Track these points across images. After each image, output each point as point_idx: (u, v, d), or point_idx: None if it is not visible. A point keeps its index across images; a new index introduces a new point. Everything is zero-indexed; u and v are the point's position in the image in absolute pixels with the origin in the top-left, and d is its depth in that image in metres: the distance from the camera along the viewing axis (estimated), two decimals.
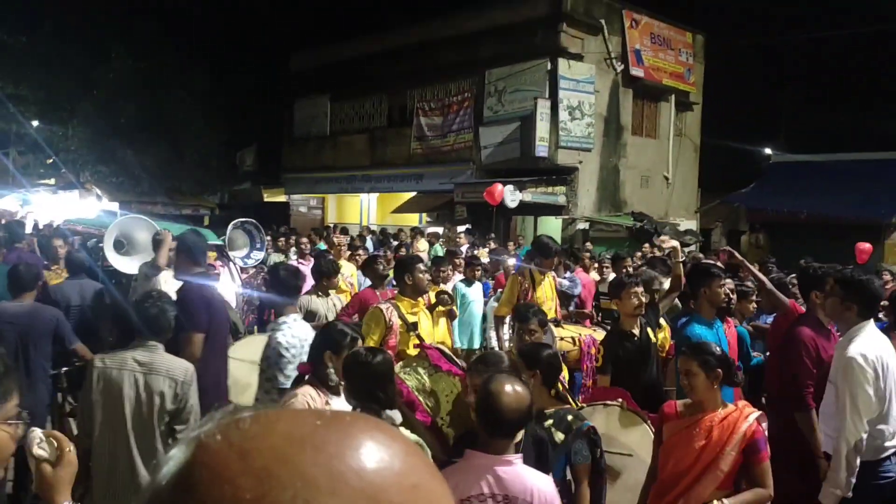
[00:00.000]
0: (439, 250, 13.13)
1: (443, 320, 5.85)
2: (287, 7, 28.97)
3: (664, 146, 20.50)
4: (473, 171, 19.10)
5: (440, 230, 17.84)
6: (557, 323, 6.13)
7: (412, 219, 21.68)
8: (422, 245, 13.81)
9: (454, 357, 4.37)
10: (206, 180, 25.50)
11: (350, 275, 8.18)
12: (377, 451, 0.50)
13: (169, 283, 6.18)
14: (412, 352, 4.71)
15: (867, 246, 14.78)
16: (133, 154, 22.59)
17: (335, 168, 23.58)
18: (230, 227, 8.36)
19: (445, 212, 19.58)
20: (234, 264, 8.25)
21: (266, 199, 25.84)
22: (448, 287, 7.72)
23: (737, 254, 5.45)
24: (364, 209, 24.22)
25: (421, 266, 5.26)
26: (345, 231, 16.22)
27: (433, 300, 5.84)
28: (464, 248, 12.41)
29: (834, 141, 21.34)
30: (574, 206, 18.00)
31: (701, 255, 12.56)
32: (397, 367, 4.03)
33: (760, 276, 5.33)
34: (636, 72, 18.89)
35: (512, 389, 2.53)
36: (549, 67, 17.45)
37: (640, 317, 4.76)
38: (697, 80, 21.18)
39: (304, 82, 24.49)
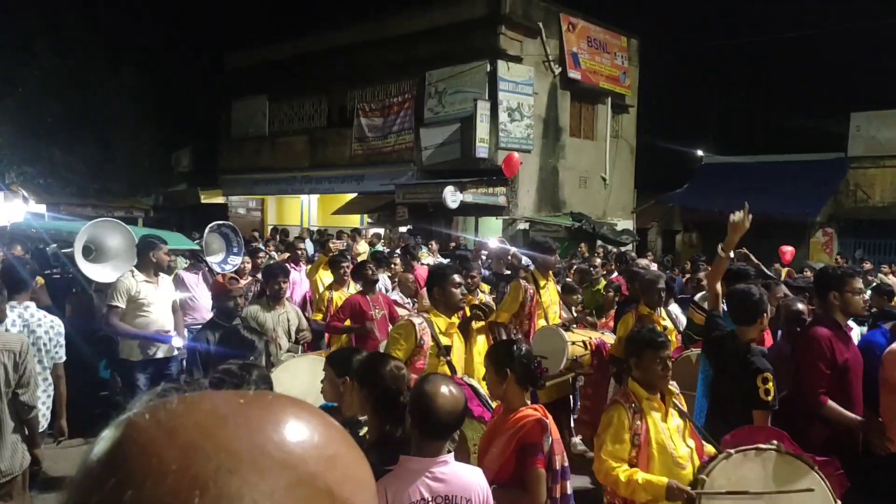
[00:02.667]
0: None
1: (482, 339, 4.84)
2: (223, 5, 28.41)
3: (601, 147, 20.92)
4: (414, 172, 19.11)
5: (381, 231, 17.80)
6: (567, 327, 5.93)
7: (353, 220, 21.55)
8: (361, 246, 13.72)
9: (487, 398, 3.83)
10: (139, 181, 24.82)
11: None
12: (297, 426, 0.53)
13: (168, 289, 6.06)
14: None
15: (790, 248, 15.36)
16: (61, 154, 21.81)
17: (274, 169, 23.24)
18: (206, 230, 8.09)
19: (387, 213, 19.53)
20: (211, 269, 7.92)
21: (203, 201, 25.27)
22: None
23: (751, 256, 5.68)
24: (304, 211, 23.95)
25: (456, 278, 4.38)
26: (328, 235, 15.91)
27: (467, 313, 4.79)
28: (360, 247, 12.72)
29: (762, 142, 22.16)
30: (514, 206, 18.20)
31: (638, 256, 12.85)
32: None
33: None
34: (573, 74, 19.22)
35: (448, 391, 2.50)
36: (488, 69, 17.59)
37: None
38: (633, 84, 21.68)
39: (241, 82, 24.06)
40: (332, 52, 20.81)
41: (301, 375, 4.33)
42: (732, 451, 3.19)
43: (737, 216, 4.54)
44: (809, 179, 19.86)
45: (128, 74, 23.04)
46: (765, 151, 21.75)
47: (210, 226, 8.17)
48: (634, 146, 22.34)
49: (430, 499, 2.41)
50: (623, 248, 16.38)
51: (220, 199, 25.15)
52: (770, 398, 3.78)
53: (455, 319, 4.41)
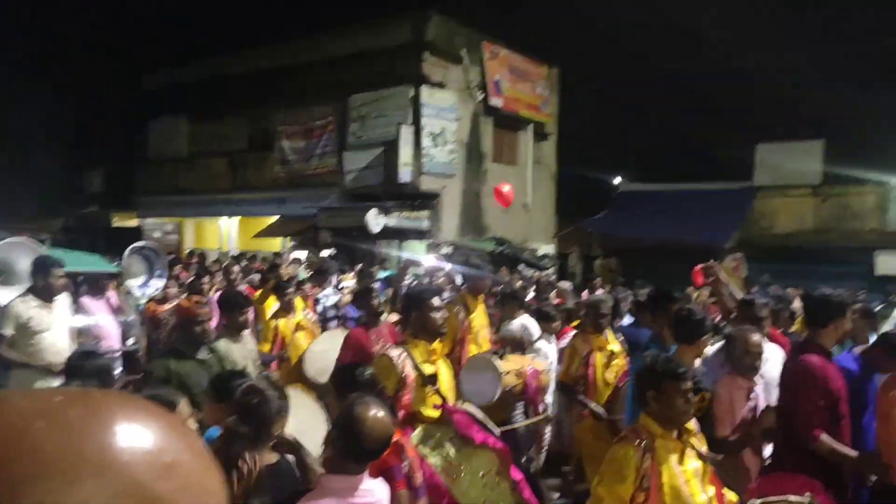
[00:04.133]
0: (302, 275, 12.86)
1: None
2: (142, 25, 27.68)
3: (523, 174, 21.29)
4: (338, 195, 18.97)
5: (304, 255, 17.52)
6: (502, 356, 5.50)
7: (275, 243, 21.17)
8: (291, 269, 13.46)
9: (488, 423, 3.63)
10: (48, 202, 23.71)
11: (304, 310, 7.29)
12: (126, 428, 0.47)
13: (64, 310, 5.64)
14: (431, 412, 3.84)
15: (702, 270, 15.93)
16: None
17: (193, 191, 22.64)
18: (126, 252, 7.65)
19: (309, 236, 19.28)
20: (129, 293, 7.54)
21: (116, 224, 24.35)
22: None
23: (716, 269, 5.56)
24: (224, 234, 23.39)
25: (435, 302, 4.08)
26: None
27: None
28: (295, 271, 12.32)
29: (676, 171, 23.03)
30: (438, 230, 18.27)
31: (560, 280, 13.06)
32: (415, 437, 3.48)
33: (724, 297, 5.46)
34: (496, 101, 19.56)
35: (377, 415, 2.45)
36: (412, 94, 17.70)
37: None
38: (553, 112, 22.23)
39: (159, 102, 23.43)
40: (255, 74, 20.54)
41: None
42: (758, 500, 2.96)
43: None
44: (720, 207, 20.75)
45: (38, 94, 22.10)
46: (678, 179, 22.62)
47: (131, 247, 7.80)
48: (555, 173, 22.84)
49: None
50: (544, 273, 16.65)
51: (133, 222, 24.29)
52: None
53: (437, 345, 4.10)
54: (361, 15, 18.93)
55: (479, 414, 3.71)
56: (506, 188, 15.86)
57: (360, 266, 12.04)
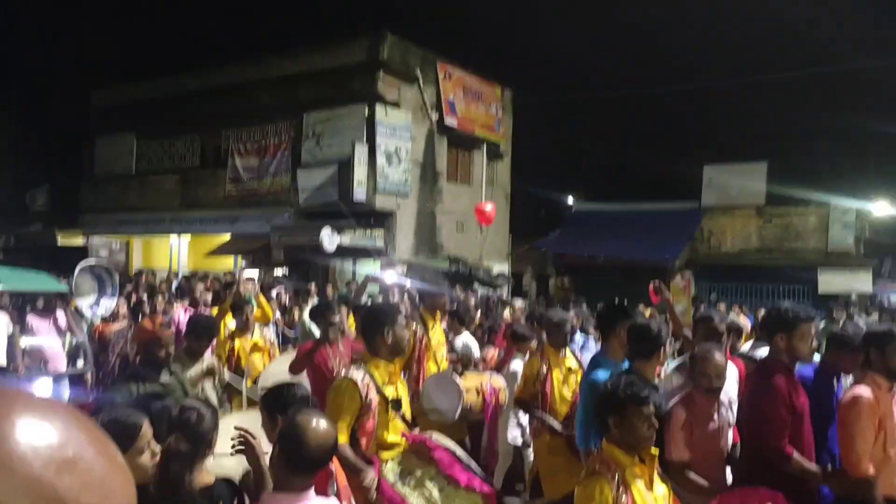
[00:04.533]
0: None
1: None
2: (89, 42, 27.18)
3: (477, 193, 21.42)
4: (291, 214, 18.79)
5: (256, 274, 17.29)
6: (461, 373, 5.48)
7: (227, 262, 20.82)
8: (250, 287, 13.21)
9: (470, 462, 3.43)
10: None
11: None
12: (25, 423, 0.45)
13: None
14: (395, 438, 3.69)
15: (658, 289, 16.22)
16: None
17: (142, 209, 22.15)
18: (77, 270, 7.35)
19: (262, 255, 19.03)
20: (75, 313, 7.22)
21: (61, 243, 23.65)
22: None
23: (664, 289, 5.65)
24: (174, 253, 22.91)
25: (398, 319, 3.94)
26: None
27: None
28: (273, 293, 11.98)
29: (627, 191, 23.49)
30: (392, 249, 18.22)
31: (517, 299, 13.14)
32: (388, 471, 3.32)
33: (675, 315, 5.62)
34: (450, 121, 19.70)
35: (319, 424, 2.42)
36: (366, 113, 17.71)
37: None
38: (506, 132, 22.48)
39: (107, 119, 22.93)
40: (207, 92, 20.29)
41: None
42: None
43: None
44: (669, 227, 21.22)
45: None
46: (629, 199, 23.07)
47: (80, 265, 7.52)
48: (509, 192, 23.06)
49: None
50: (498, 292, 16.74)
51: (79, 241, 23.63)
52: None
53: (396, 365, 3.99)
54: (317, 34, 18.94)
55: (459, 450, 3.52)
56: (488, 207, 15.80)
57: (312, 284, 11.90)
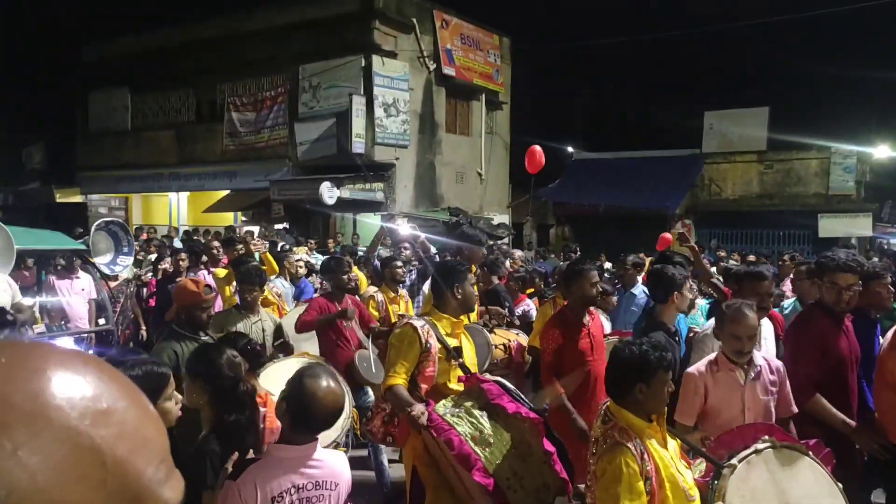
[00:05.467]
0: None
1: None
2: None
3: (477, 143, 21.28)
4: (290, 167, 18.68)
5: (256, 229, 17.27)
6: (491, 329, 5.57)
7: (227, 218, 20.79)
8: (260, 245, 13.10)
9: (521, 394, 3.43)
10: None
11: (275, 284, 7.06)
12: (60, 375, 0.45)
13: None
14: (455, 385, 3.73)
15: (668, 236, 16.23)
16: None
17: (139, 166, 21.99)
18: (93, 228, 7.34)
19: (262, 210, 19.00)
20: (98, 271, 7.20)
21: (59, 200, 23.57)
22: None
23: (689, 235, 5.54)
24: (173, 209, 22.86)
25: (472, 276, 4.02)
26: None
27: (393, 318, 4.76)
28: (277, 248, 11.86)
29: (626, 139, 23.32)
30: (392, 202, 18.18)
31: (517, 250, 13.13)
32: (439, 405, 3.33)
33: (701, 261, 5.51)
34: (448, 71, 19.43)
35: (329, 386, 2.43)
36: (363, 64, 17.46)
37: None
38: (505, 81, 22.20)
39: (99, 74, 22.57)
40: (200, 44, 19.94)
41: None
42: (735, 461, 2.81)
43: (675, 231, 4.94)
44: (669, 174, 21.13)
45: None
46: (629, 148, 22.92)
47: (97, 223, 7.47)
48: (509, 142, 22.89)
49: (301, 485, 2.36)
50: (500, 242, 16.75)
51: (78, 198, 23.55)
52: None
53: (463, 319, 4.06)
54: None
55: (511, 386, 3.47)
56: (538, 148, 14.86)
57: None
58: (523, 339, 5.67)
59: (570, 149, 24.32)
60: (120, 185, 22.83)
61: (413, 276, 6.97)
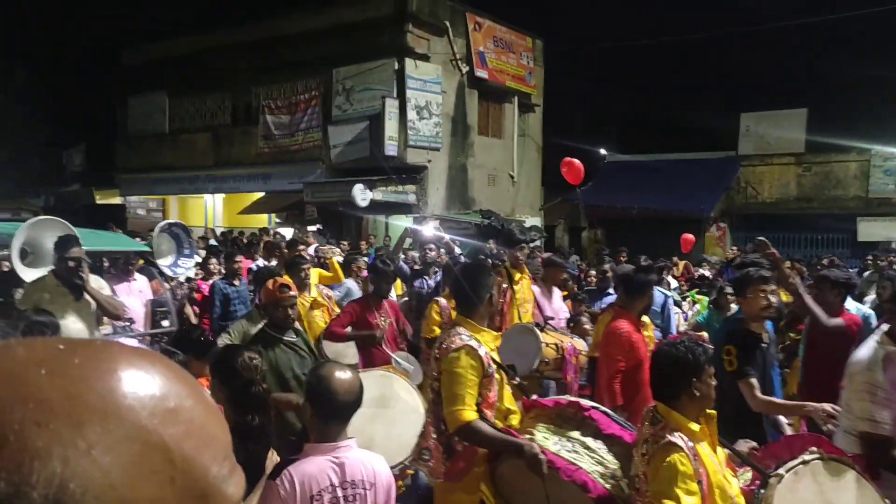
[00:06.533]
0: None
1: None
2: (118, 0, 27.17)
3: (509, 146, 21.24)
4: (323, 170, 18.85)
5: (290, 231, 17.45)
6: (542, 328, 5.40)
7: (261, 220, 21.05)
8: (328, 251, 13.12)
9: (619, 418, 3.12)
10: (28, 182, 23.43)
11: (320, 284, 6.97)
12: (130, 374, 0.47)
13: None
14: (512, 406, 3.37)
15: (691, 237, 16.09)
16: None
17: (176, 168, 22.39)
18: (156, 230, 7.44)
19: (295, 212, 19.18)
20: (161, 273, 7.22)
21: (99, 202, 24.09)
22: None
23: (768, 243, 5.25)
24: (209, 211, 23.21)
25: (491, 279, 3.54)
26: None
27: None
28: (311, 250, 11.94)
29: (660, 141, 23.09)
30: (424, 204, 18.23)
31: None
32: (539, 437, 2.97)
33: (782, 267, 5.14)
34: (480, 73, 19.44)
35: (343, 374, 2.53)
36: (396, 67, 17.55)
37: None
38: (538, 83, 22.13)
39: (138, 78, 23.02)
40: (236, 48, 20.23)
41: (368, 393, 3.80)
42: (783, 471, 2.72)
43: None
44: (704, 177, 20.88)
45: (14, 72, 21.71)
46: (663, 150, 22.70)
47: (160, 225, 7.57)
48: (541, 144, 22.81)
49: (337, 483, 2.41)
50: (532, 244, 16.68)
51: (117, 200, 24.05)
52: (733, 368, 3.76)
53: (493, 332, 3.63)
54: None
55: (611, 411, 3.18)
56: (575, 161, 13.93)
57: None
58: (578, 343, 5.47)
59: (602, 151, 24.16)
60: (157, 186, 23.26)
61: (438, 277, 6.92)
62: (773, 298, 4.07)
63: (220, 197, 22.81)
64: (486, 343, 3.29)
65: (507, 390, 3.37)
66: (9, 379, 0.44)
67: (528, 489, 2.97)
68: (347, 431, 2.54)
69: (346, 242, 14.41)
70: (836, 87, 21.26)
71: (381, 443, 3.55)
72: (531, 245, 15.86)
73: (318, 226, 18.37)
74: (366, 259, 9.74)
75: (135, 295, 7.04)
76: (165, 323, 7.09)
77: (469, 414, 3.05)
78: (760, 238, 5.44)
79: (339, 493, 2.40)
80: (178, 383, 0.50)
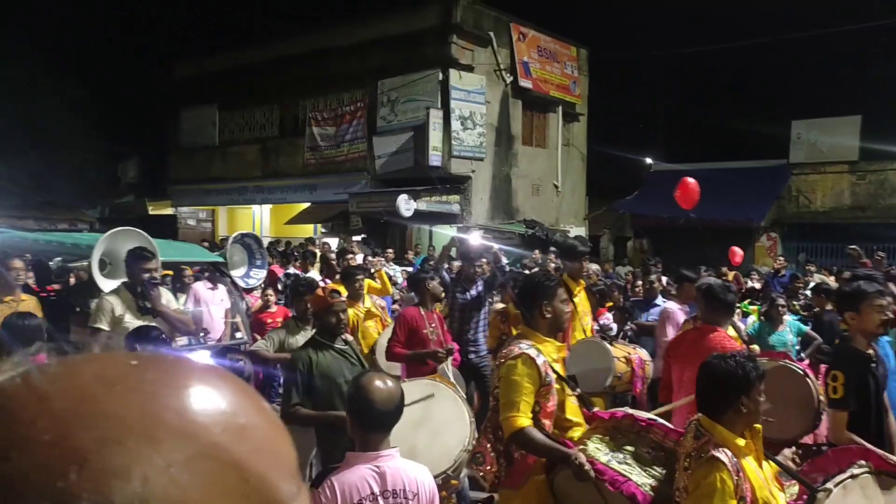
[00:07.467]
0: None
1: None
2: (172, 15, 27.98)
3: (553, 155, 21.16)
4: (368, 180, 19.06)
5: (335, 241, 17.66)
6: (611, 341, 5.34)
7: (307, 230, 21.35)
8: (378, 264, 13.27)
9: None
10: (84, 193, 24.23)
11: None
12: (201, 391, 0.46)
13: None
14: (574, 418, 3.38)
15: (740, 251, 15.75)
16: (1, 166, 21.19)
17: (225, 179, 22.91)
18: (229, 240, 7.40)
19: (340, 222, 19.41)
20: (235, 285, 7.21)
21: (151, 212, 24.77)
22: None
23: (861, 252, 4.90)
24: (257, 221, 23.65)
25: (563, 292, 3.56)
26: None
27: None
28: (359, 259, 12.06)
29: (708, 150, 22.71)
30: (468, 214, 18.27)
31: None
32: (591, 448, 2.99)
33: None
34: (525, 83, 19.43)
35: (382, 383, 2.56)
36: (440, 78, 17.67)
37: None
38: (582, 92, 22.02)
39: (190, 91, 23.68)
40: (284, 62, 20.63)
41: (413, 400, 3.77)
42: (831, 485, 2.66)
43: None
44: (754, 186, 20.42)
45: (72, 86, 22.51)
46: (711, 159, 22.28)
47: (233, 236, 7.52)
48: (585, 154, 22.66)
49: (378, 493, 2.43)
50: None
51: (168, 210, 24.69)
52: (837, 396, 3.54)
53: (576, 336, 3.71)
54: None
55: (661, 419, 3.16)
56: (690, 181, 12.99)
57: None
58: (643, 353, 5.38)
59: (648, 160, 23.88)
60: (208, 197, 23.81)
61: (479, 287, 6.89)
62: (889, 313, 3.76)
63: (267, 207, 23.23)
64: (549, 353, 3.32)
65: (572, 402, 3.40)
66: (83, 396, 0.43)
67: (583, 501, 2.98)
68: (390, 440, 2.56)
69: (390, 251, 14.53)
70: (891, 93, 20.62)
71: (425, 451, 3.58)
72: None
73: (362, 235, 18.56)
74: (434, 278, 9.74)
75: (217, 304, 7.11)
76: (239, 335, 7.09)
77: (523, 421, 3.10)
78: (853, 247, 5.17)
79: (381, 501, 2.42)
80: (247, 399, 0.49)
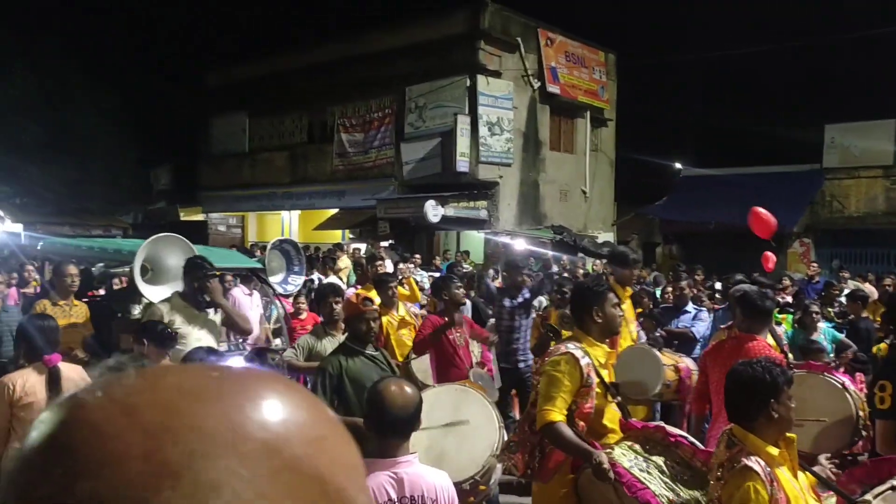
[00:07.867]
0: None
1: None
2: (201, 23, 28.41)
3: (581, 161, 21.06)
4: (396, 186, 19.13)
5: (363, 246, 17.77)
6: (659, 348, 5.30)
7: (335, 235, 21.49)
8: (343, 262, 13.63)
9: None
10: (118, 199, 24.67)
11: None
12: (280, 404, 0.46)
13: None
14: (612, 425, 3.43)
15: (773, 255, 15.50)
16: (38, 173, 21.64)
17: (255, 185, 23.18)
18: (268, 247, 7.41)
19: (368, 228, 19.51)
20: (272, 291, 7.23)
21: (183, 218, 25.12)
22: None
23: None
24: (286, 227, 23.87)
25: (613, 297, 3.63)
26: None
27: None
28: (388, 265, 12.12)
29: (739, 155, 22.42)
30: (496, 220, 18.25)
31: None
32: (618, 454, 3.01)
33: None
34: (552, 89, 19.38)
35: (398, 388, 2.55)
36: (468, 84, 17.70)
37: None
38: (611, 98, 21.90)
39: (220, 99, 24.03)
40: (312, 69, 20.83)
41: (444, 408, 3.86)
42: (870, 497, 2.62)
43: None
44: (786, 191, 20.09)
45: (106, 94, 22.95)
46: (742, 163, 22.01)
47: (272, 242, 7.54)
48: (614, 159, 22.53)
49: (396, 499, 2.42)
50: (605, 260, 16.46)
51: (199, 217, 25.02)
52: (885, 406, 3.49)
53: (623, 343, 3.82)
54: (417, 5, 19.02)
55: (695, 440, 3.16)
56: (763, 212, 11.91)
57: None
58: (689, 362, 5.29)
59: (678, 165, 23.65)
60: (238, 203, 24.10)
61: (526, 294, 6.90)
62: None
63: (296, 213, 23.44)
64: (597, 357, 3.40)
65: (612, 409, 3.44)
66: (168, 409, 0.43)
67: (602, 502, 3.02)
68: (409, 447, 2.55)
69: (417, 257, 14.56)
70: None
71: (453, 456, 3.59)
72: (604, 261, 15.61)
73: (390, 241, 18.64)
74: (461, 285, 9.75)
75: (253, 310, 7.16)
76: (278, 342, 7.07)
77: (555, 415, 3.19)
78: None
79: None
80: (320, 411, 0.49)
